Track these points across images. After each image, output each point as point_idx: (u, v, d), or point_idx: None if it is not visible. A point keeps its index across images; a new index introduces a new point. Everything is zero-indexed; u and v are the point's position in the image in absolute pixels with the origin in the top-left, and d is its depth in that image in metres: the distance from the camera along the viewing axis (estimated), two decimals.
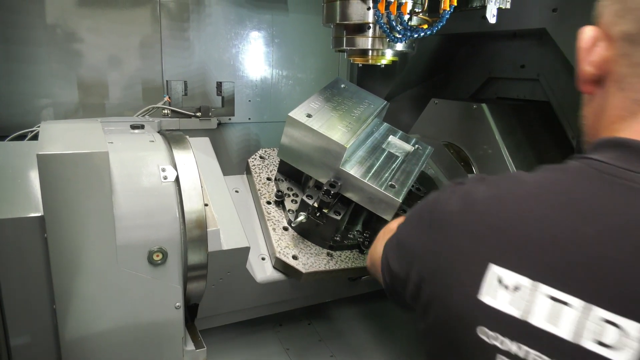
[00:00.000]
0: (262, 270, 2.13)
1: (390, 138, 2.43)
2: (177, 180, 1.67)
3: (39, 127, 1.83)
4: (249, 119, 3.23)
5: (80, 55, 2.67)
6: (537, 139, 2.62)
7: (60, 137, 1.55)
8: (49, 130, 1.61)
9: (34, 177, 1.56)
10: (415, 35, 1.74)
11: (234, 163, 3.17)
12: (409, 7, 1.76)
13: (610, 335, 0.71)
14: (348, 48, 2.00)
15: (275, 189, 2.35)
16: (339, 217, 2.12)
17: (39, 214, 1.43)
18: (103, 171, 1.46)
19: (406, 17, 1.74)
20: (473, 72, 3.13)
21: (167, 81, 2.64)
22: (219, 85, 2.71)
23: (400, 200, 2.02)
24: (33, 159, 1.37)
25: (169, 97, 2.50)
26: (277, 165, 2.44)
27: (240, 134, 3.23)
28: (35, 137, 2.21)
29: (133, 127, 1.94)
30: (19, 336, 1.51)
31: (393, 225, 1.38)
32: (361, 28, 1.95)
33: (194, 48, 2.95)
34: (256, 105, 3.26)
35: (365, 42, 1.95)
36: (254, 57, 3.18)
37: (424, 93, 3.34)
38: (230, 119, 3.06)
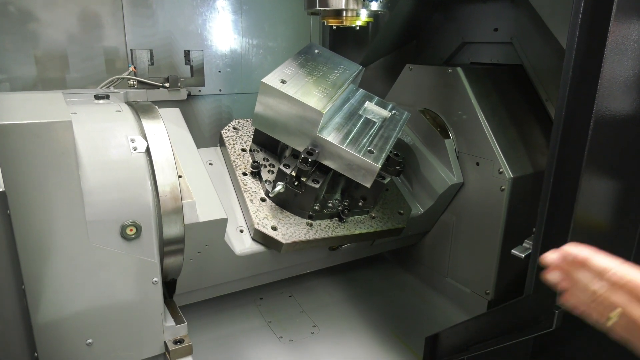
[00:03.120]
0: (241, 243, 2.08)
1: (367, 104, 2.38)
2: (147, 151, 1.59)
3: None
4: (220, 90, 3.12)
5: (36, 26, 2.49)
6: (511, 102, 2.62)
7: (19, 107, 1.44)
8: (5, 100, 1.49)
9: None
10: None
11: (205, 136, 3.07)
12: None
13: None
14: (322, 9, 1.93)
15: (251, 160, 2.29)
16: (317, 186, 2.08)
17: (0, 190, 1.34)
18: (67, 142, 1.37)
19: None
20: (446, 37, 3.10)
21: (131, 50, 2.50)
22: (187, 53, 2.59)
23: (379, 165, 1.99)
24: None
25: (134, 67, 2.38)
26: (252, 136, 2.37)
27: (211, 107, 3.12)
28: None
29: (97, 97, 1.84)
30: None
31: None
32: None
33: (158, 16, 2.80)
34: (227, 76, 3.14)
35: (340, 1, 1.88)
36: (222, 26, 3.05)
37: (398, 61, 3.30)
38: (200, 90, 2.95)
